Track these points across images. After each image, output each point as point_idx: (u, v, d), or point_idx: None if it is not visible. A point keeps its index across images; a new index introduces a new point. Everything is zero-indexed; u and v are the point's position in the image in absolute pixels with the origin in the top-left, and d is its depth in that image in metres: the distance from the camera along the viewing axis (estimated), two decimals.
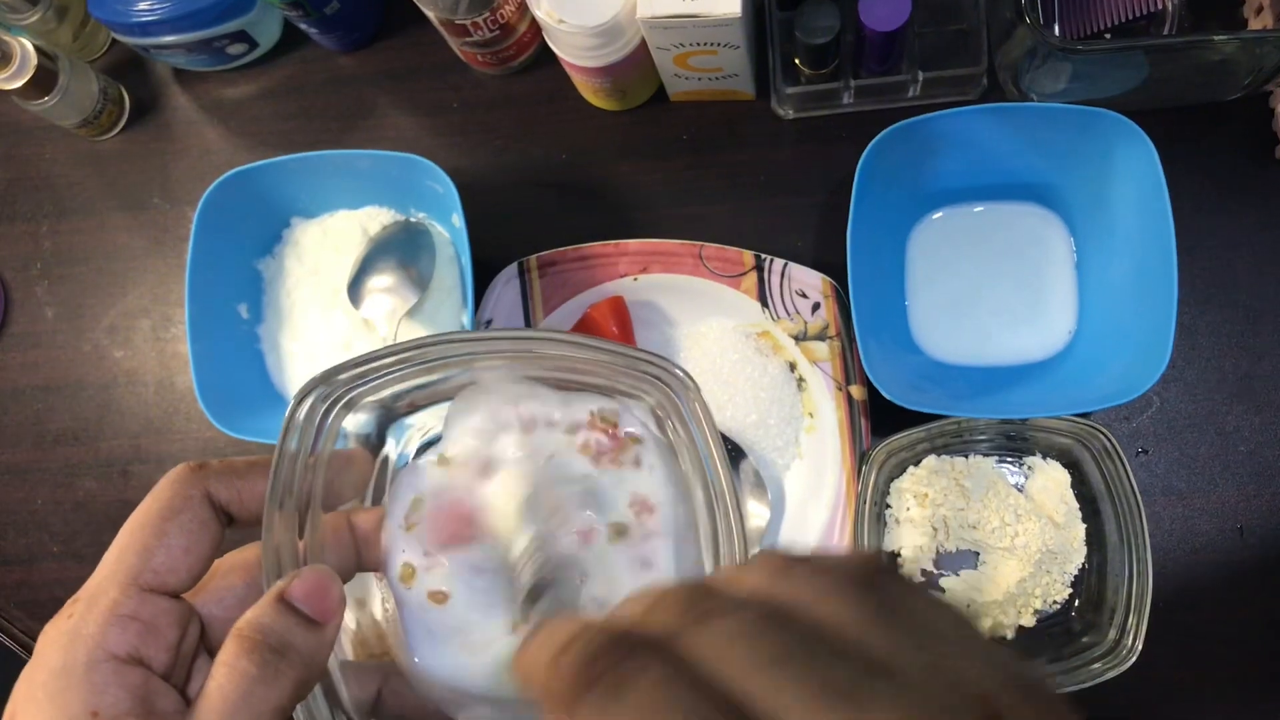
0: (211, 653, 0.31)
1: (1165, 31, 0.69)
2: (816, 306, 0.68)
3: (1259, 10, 0.66)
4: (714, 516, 0.34)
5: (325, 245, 0.73)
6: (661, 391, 0.34)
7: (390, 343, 0.35)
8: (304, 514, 0.33)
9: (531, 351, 0.35)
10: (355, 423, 0.35)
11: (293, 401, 0.32)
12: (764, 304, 0.69)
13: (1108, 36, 0.69)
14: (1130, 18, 0.68)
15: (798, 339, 0.69)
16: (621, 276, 0.70)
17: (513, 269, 0.70)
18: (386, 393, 0.35)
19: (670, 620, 0.22)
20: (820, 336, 0.68)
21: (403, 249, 0.70)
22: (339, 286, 0.71)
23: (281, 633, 0.29)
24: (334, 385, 0.33)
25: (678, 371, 0.34)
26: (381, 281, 0.70)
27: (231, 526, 0.32)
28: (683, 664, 0.21)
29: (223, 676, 0.28)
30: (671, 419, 0.35)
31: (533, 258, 0.70)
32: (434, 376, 0.35)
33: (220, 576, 0.32)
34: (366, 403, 0.35)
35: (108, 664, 0.28)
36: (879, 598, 0.22)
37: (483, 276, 0.69)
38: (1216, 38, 0.59)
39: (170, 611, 0.30)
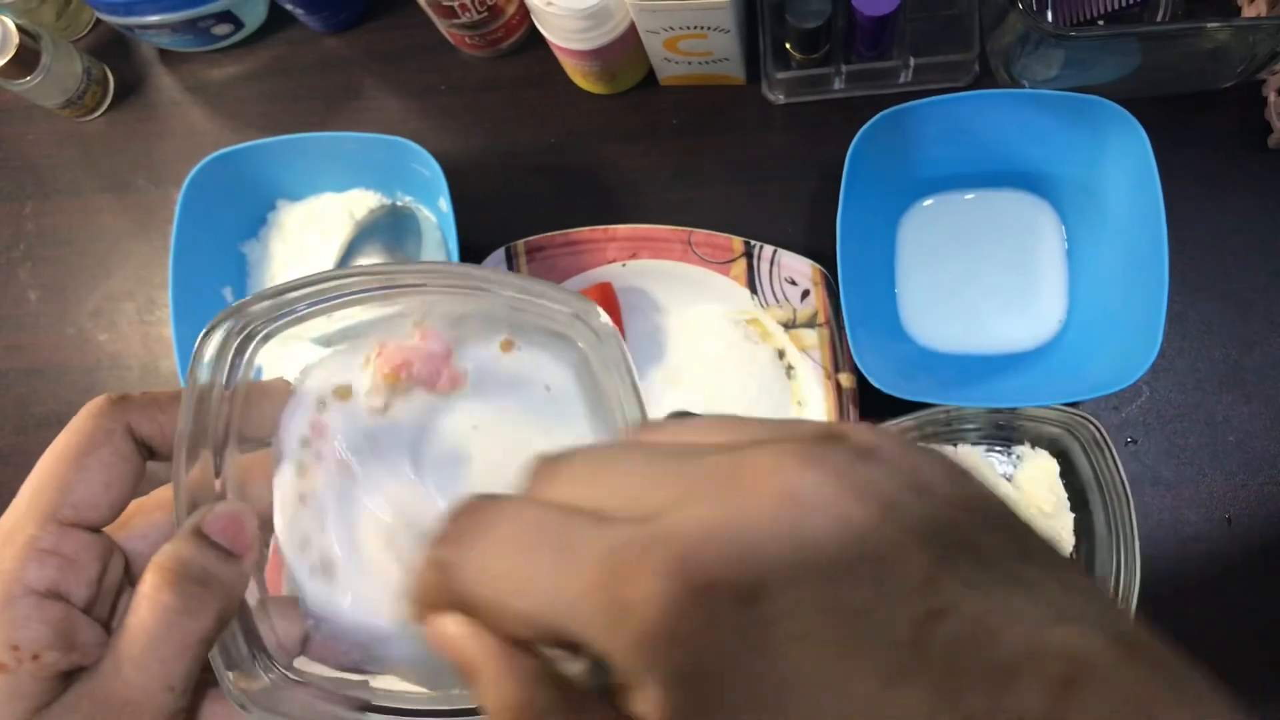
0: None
1: (1158, 18, 0.68)
2: (806, 294, 0.68)
3: None
4: None
5: (311, 228, 0.72)
6: (585, 336, 0.33)
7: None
8: (221, 450, 0.32)
9: (460, 286, 0.34)
10: (278, 355, 0.34)
11: (201, 334, 0.31)
12: (753, 291, 0.68)
13: (1100, 23, 0.68)
14: (1123, 4, 0.67)
15: (787, 326, 0.68)
16: (610, 262, 0.69)
17: (500, 254, 0.69)
18: (316, 325, 0.33)
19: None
20: (809, 324, 0.68)
21: (389, 233, 0.70)
22: (324, 270, 0.70)
23: (204, 565, 0.28)
24: (247, 317, 0.32)
25: (601, 320, 0.32)
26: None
27: (154, 460, 0.31)
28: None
29: (144, 610, 0.28)
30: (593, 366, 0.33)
31: (520, 242, 0.69)
32: (363, 312, 0.34)
33: (145, 513, 0.32)
34: (293, 335, 0.33)
35: (27, 599, 0.27)
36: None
37: (470, 261, 0.69)
38: (1209, 25, 0.58)
39: (91, 546, 0.29)
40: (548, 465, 0.24)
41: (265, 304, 0.32)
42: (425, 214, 0.71)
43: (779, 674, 0.18)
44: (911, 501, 0.19)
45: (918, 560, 0.18)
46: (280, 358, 0.34)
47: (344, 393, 0.33)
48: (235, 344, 0.32)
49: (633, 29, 0.66)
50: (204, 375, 0.31)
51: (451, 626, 0.23)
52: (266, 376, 0.34)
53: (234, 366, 0.32)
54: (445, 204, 0.66)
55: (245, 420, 0.33)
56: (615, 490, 0.21)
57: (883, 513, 0.19)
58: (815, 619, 0.18)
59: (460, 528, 0.23)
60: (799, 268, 0.67)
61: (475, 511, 0.23)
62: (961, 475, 0.21)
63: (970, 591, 0.18)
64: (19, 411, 0.78)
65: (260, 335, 0.32)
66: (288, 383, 0.34)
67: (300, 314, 0.33)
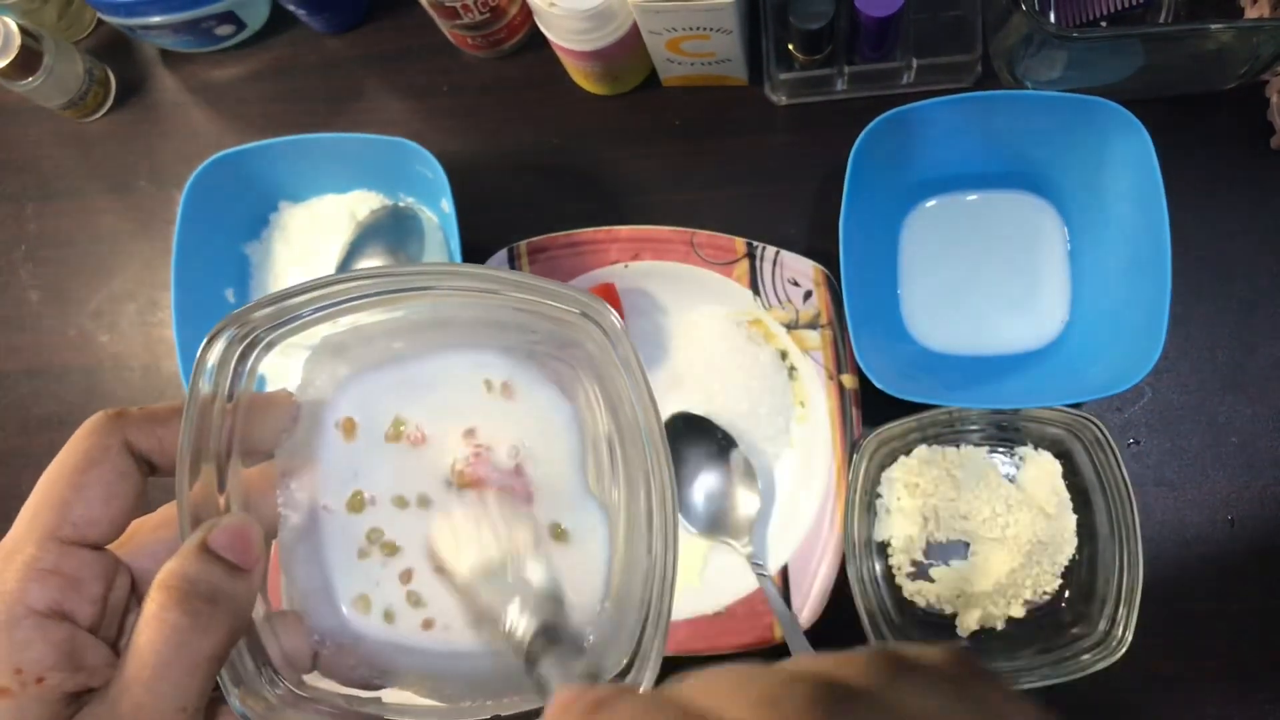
0: None
1: (1161, 19, 0.68)
2: (808, 295, 0.68)
3: None
4: (648, 474, 0.32)
5: (313, 230, 0.72)
6: (595, 337, 0.33)
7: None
8: (224, 464, 0.31)
9: (467, 288, 0.33)
10: (286, 367, 0.33)
11: (203, 343, 0.30)
12: (756, 292, 0.68)
13: (1103, 24, 0.68)
14: (1126, 5, 0.67)
15: (789, 327, 0.68)
16: (613, 263, 0.69)
17: (502, 255, 0.69)
18: (320, 333, 0.33)
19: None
20: (812, 325, 0.68)
21: (391, 234, 0.70)
22: (326, 271, 0.70)
23: (211, 581, 0.28)
24: (250, 324, 0.31)
25: (611, 319, 0.32)
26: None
27: (155, 475, 0.31)
28: None
29: (153, 630, 0.27)
30: (602, 368, 0.33)
31: (523, 243, 0.69)
32: (369, 316, 0.33)
33: (150, 530, 0.31)
34: (295, 344, 0.32)
35: (29, 620, 0.27)
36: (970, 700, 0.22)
37: (472, 262, 0.69)
38: (1213, 26, 0.58)
39: (93, 564, 0.29)
40: (684, 678, 0.24)
41: (268, 310, 0.31)
42: (427, 215, 0.71)
43: None
44: None
45: None
46: (281, 367, 0.33)
47: (424, 501, 0.34)
48: (238, 353, 0.31)
49: (635, 30, 0.66)
50: (206, 387, 0.30)
51: None
52: (270, 386, 0.33)
53: (236, 376, 0.31)
54: (448, 205, 0.66)
55: (248, 433, 0.32)
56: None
57: None
58: None
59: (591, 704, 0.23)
60: (801, 269, 0.67)
61: (608, 697, 0.23)
62: None
63: None
64: (20, 413, 0.78)
65: (263, 343, 0.32)
66: (290, 394, 0.33)
67: (304, 320, 0.32)
